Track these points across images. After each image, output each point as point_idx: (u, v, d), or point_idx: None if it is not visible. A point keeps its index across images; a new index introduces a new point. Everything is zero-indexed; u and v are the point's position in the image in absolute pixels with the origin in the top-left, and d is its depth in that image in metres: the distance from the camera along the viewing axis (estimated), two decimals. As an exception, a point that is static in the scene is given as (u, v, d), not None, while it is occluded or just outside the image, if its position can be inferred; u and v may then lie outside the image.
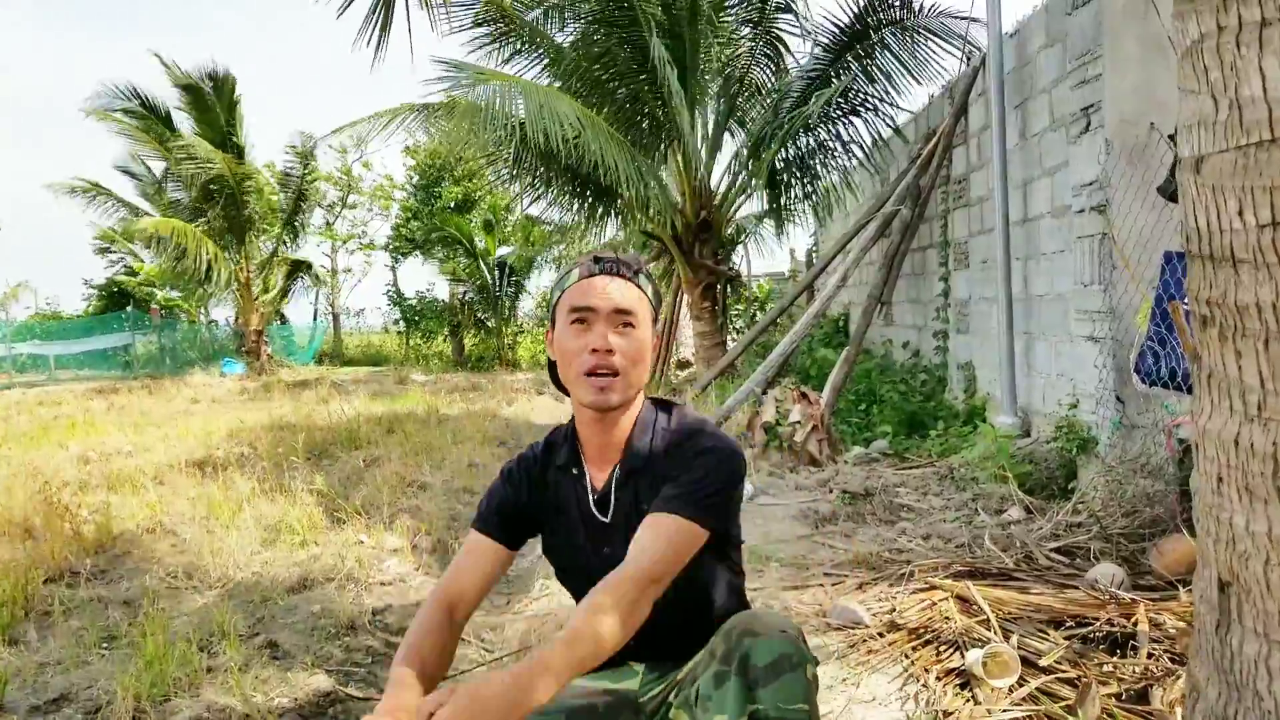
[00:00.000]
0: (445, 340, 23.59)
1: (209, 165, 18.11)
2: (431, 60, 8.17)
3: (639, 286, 1.70)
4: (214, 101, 19.16)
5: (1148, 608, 2.74)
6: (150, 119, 18.93)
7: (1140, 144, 4.32)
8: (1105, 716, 2.22)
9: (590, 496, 1.75)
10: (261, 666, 3.47)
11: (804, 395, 5.84)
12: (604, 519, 1.73)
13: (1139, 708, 2.25)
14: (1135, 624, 2.65)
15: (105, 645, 3.88)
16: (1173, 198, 4.04)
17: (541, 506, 1.80)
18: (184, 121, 19.35)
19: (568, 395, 1.77)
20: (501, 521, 1.77)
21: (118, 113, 18.48)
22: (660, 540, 1.57)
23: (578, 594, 1.84)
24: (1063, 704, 2.30)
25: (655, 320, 1.75)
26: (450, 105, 8.94)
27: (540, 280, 22.04)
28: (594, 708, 1.70)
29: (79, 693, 3.34)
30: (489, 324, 22.36)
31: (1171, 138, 3.94)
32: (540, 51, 9.27)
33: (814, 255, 14.96)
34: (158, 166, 19.91)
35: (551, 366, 1.80)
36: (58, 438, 10.22)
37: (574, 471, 1.77)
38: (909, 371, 8.61)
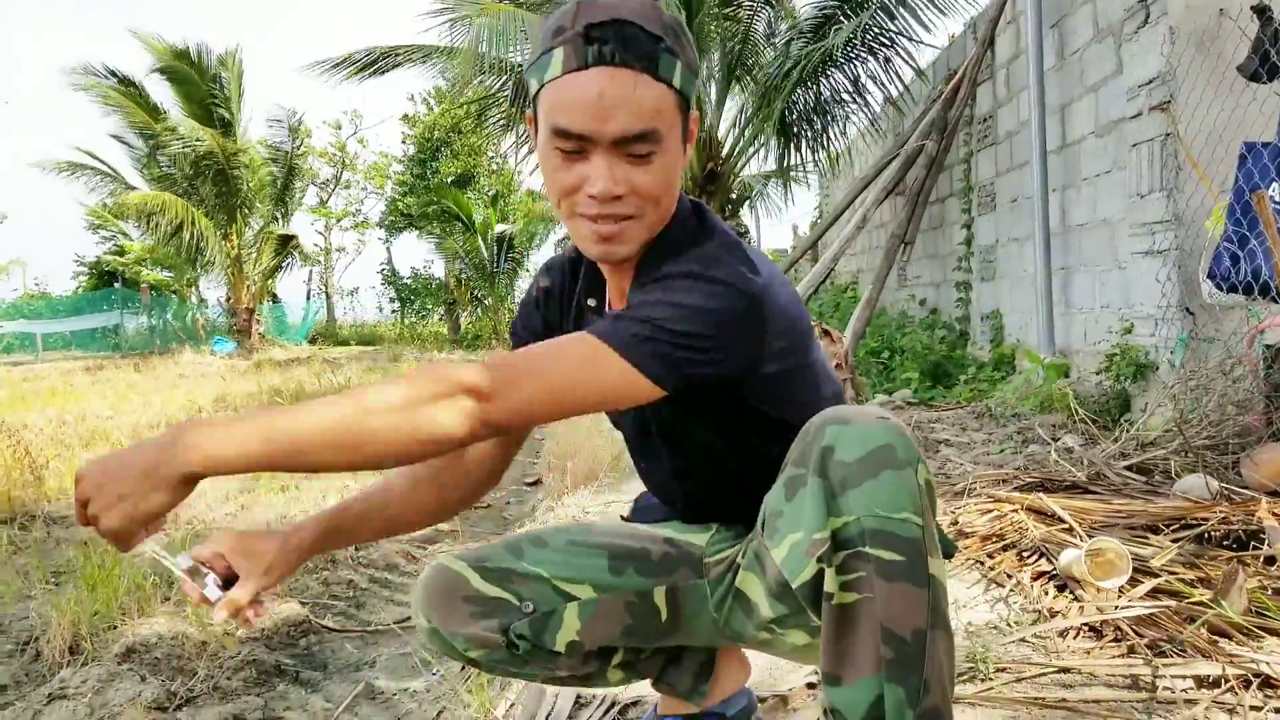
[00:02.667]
0: (441, 319, 23.14)
1: (197, 143, 17.62)
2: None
3: (660, 76, 1.09)
4: (201, 75, 18.68)
5: (1270, 505, 2.31)
6: (132, 95, 18.45)
7: (1210, 31, 3.89)
8: (1252, 610, 1.79)
9: None
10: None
11: (826, 332, 5.40)
12: None
13: (1296, 600, 1.82)
14: (1258, 520, 2.22)
15: (54, 581, 3.47)
16: (1255, 77, 3.61)
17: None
18: (166, 96, 18.89)
19: None
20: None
21: (101, 90, 17.98)
22: (550, 351, 1.09)
23: (629, 450, 1.44)
24: (1194, 600, 1.87)
25: (688, 107, 1.16)
26: (448, 50, 8.50)
27: (540, 257, 21.55)
28: (645, 553, 1.28)
29: (12, 624, 2.91)
30: (486, 302, 21.87)
31: (1255, 9, 3.51)
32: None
33: (817, 224, 14.55)
34: (146, 145, 19.43)
35: None
36: (37, 405, 9.79)
37: (590, 304, 1.31)
38: (927, 328, 8.19)
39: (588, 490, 4.02)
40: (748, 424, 1.23)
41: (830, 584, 0.98)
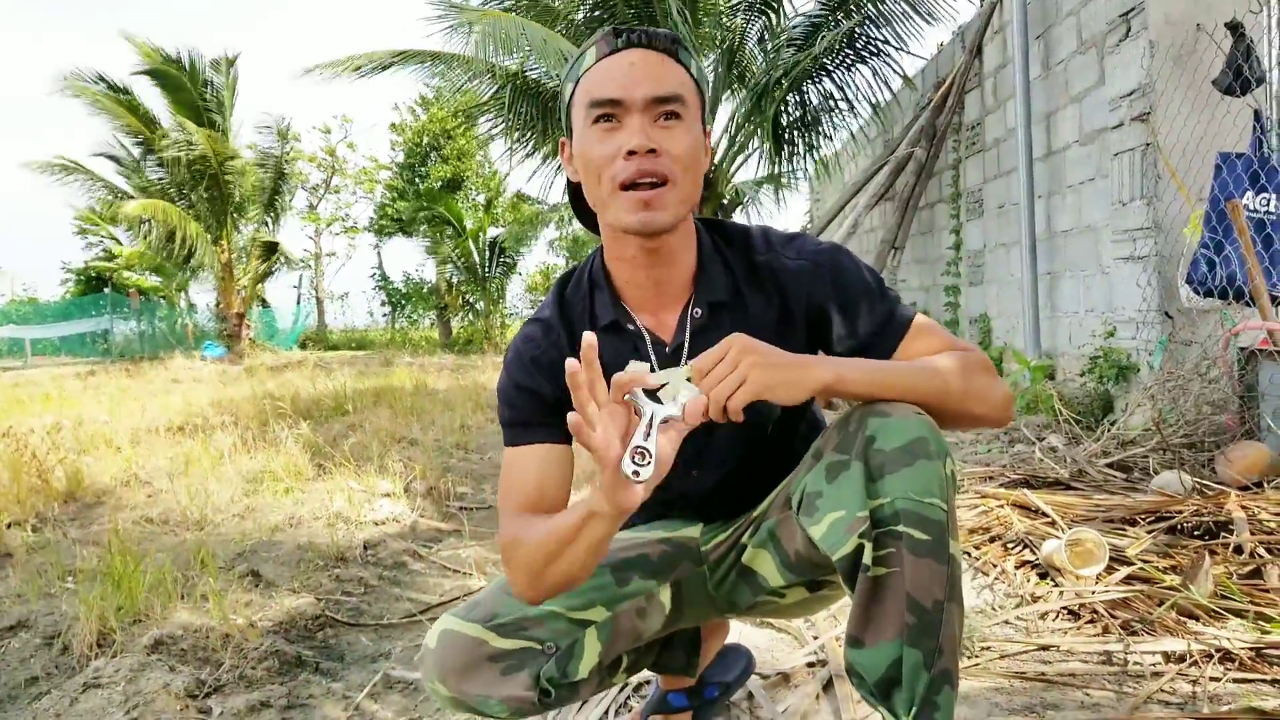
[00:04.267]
0: (432, 324, 23.21)
1: (190, 147, 17.69)
2: (428, 1, 7.66)
3: (680, 62, 1.25)
4: (193, 81, 18.74)
5: (1239, 499, 2.46)
6: (124, 102, 18.50)
7: (1188, 45, 4.04)
8: (1218, 593, 1.93)
9: (654, 354, 1.32)
10: (243, 591, 3.15)
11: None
12: None
13: (1256, 583, 1.96)
14: (1227, 513, 2.37)
15: (71, 579, 3.57)
16: (1229, 91, 3.77)
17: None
18: (158, 103, 18.94)
19: (596, 231, 1.36)
20: (542, 417, 1.32)
21: (94, 95, 18.03)
22: (944, 335, 1.30)
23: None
24: (1164, 584, 2.01)
25: (703, 113, 1.30)
26: (443, 56, 8.61)
27: (532, 261, 21.69)
28: (645, 558, 1.35)
29: (38, 619, 3.01)
30: (477, 306, 21.97)
31: (1229, 25, 3.67)
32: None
33: (807, 230, 14.68)
34: (136, 150, 19.46)
35: (574, 193, 1.38)
36: (33, 410, 9.84)
37: (629, 327, 1.33)
38: (917, 331, 8.33)
39: (589, 489, 4.15)
40: (809, 416, 1.39)
41: (867, 557, 1.09)
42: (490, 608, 1.26)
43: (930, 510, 1.08)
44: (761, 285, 1.32)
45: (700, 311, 1.30)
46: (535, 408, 1.31)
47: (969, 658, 1.72)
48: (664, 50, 1.23)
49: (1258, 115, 3.64)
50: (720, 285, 1.31)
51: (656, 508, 1.43)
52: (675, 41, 1.25)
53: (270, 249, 20.56)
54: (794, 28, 8.61)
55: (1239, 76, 3.67)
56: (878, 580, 1.09)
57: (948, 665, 1.08)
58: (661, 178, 1.20)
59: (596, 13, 8.57)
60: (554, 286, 1.41)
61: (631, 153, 1.18)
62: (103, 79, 18.27)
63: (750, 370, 1.06)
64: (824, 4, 8.29)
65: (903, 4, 7.62)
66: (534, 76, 8.01)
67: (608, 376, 1.28)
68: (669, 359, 1.31)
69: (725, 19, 8.85)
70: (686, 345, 1.30)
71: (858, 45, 8.07)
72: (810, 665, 1.80)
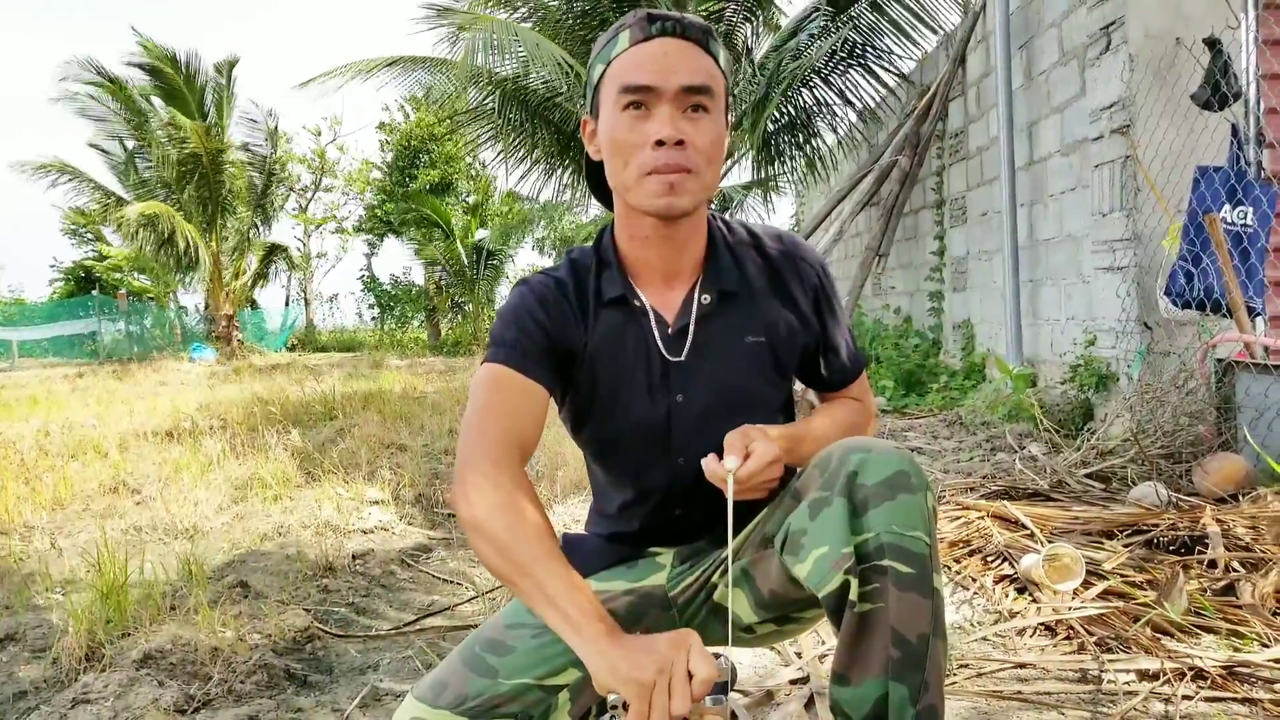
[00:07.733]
0: (421, 325, 23.19)
1: (183, 144, 17.64)
2: (419, 6, 7.68)
3: (711, 54, 1.26)
4: (190, 82, 18.71)
5: (1214, 512, 2.50)
6: (120, 97, 18.44)
7: (1167, 59, 4.10)
8: (1192, 610, 1.98)
9: (657, 332, 1.33)
10: (231, 603, 3.16)
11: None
12: (676, 358, 1.33)
13: (1229, 599, 2.01)
14: (1203, 527, 2.41)
15: (59, 590, 3.57)
16: (1207, 105, 3.82)
17: (583, 348, 1.33)
18: (155, 98, 18.88)
19: (610, 207, 1.37)
20: (543, 356, 1.29)
21: (87, 88, 17.97)
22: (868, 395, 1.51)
23: (626, 465, 1.39)
24: (1139, 601, 2.05)
25: (727, 103, 1.31)
26: (432, 61, 8.63)
27: (520, 262, 21.69)
28: (612, 614, 1.25)
29: (27, 632, 3.02)
30: (466, 308, 21.96)
31: (1207, 41, 3.72)
32: (518, 6, 8.84)
33: (796, 233, 14.72)
34: (128, 146, 19.38)
35: (591, 170, 1.40)
36: (19, 414, 9.80)
37: (635, 303, 1.34)
38: (901, 336, 8.40)
39: (576, 500, 4.18)
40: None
41: (853, 593, 1.08)
42: (459, 690, 1.22)
43: (914, 544, 1.08)
44: (775, 280, 1.38)
45: (709, 298, 1.34)
46: (539, 342, 1.30)
47: (946, 677, 1.76)
48: (696, 40, 1.25)
49: (1235, 130, 3.70)
50: (731, 275, 1.35)
51: (634, 528, 1.42)
52: (707, 32, 1.27)
53: (273, 251, 20.55)
54: (783, 42, 8.64)
55: (1216, 91, 3.73)
56: (863, 616, 1.08)
57: (933, 700, 1.08)
58: (685, 167, 1.23)
59: (583, 20, 8.58)
60: (564, 258, 1.41)
61: (660, 143, 1.22)
62: (101, 71, 18.15)
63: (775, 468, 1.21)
64: (812, 17, 8.32)
65: (893, 12, 7.66)
66: (524, 82, 8.02)
67: (606, 351, 1.34)
68: (671, 340, 1.33)
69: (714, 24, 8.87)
70: (692, 328, 1.33)
71: (845, 50, 8.10)
72: (793, 682, 1.84)
